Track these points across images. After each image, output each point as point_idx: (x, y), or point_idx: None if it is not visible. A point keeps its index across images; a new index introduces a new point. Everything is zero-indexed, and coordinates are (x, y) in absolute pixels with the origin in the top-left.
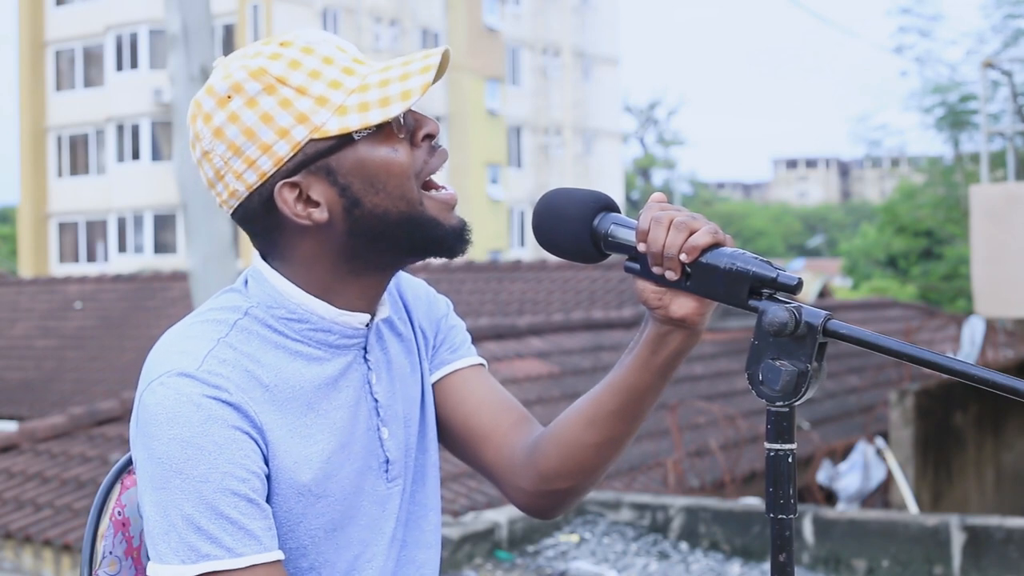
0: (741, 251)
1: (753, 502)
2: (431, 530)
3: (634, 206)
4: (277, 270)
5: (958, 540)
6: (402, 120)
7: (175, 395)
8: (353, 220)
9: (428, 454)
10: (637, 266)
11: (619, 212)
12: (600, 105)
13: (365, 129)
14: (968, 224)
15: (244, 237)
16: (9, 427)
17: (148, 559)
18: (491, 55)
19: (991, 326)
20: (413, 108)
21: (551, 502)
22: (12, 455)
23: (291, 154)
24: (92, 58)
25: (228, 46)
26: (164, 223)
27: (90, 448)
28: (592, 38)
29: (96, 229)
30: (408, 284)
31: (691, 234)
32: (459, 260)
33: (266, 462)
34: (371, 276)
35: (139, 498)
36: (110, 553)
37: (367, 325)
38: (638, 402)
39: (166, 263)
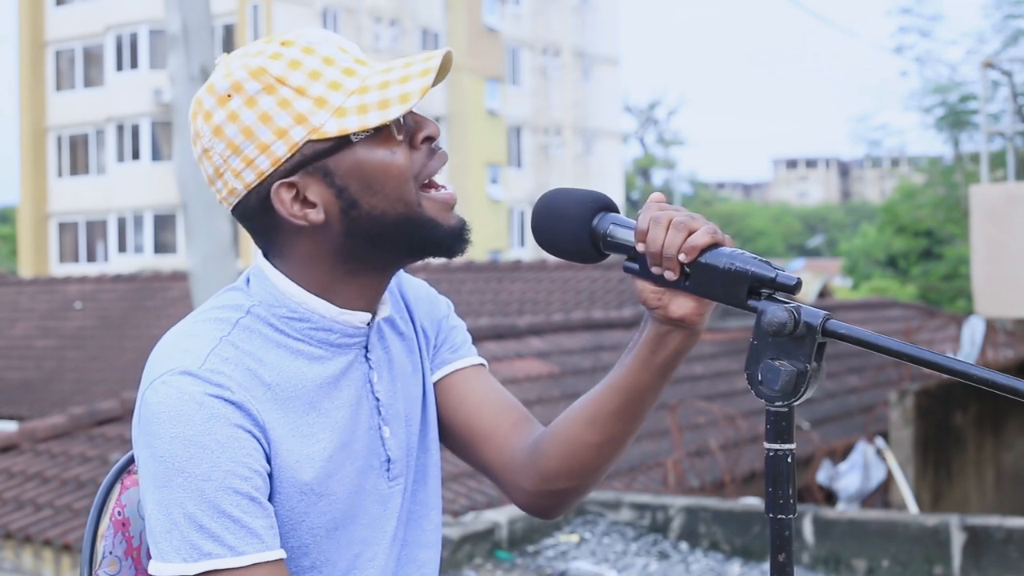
0: (740, 251)
1: (753, 502)
2: (432, 530)
3: (634, 206)
4: (278, 268)
5: (958, 540)
6: (402, 121)
7: (177, 393)
8: (350, 221)
9: (429, 453)
10: (636, 266)
11: (618, 212)
12: (600, 105)
13: (363, 131)
14: (968, 224)
15: (244, 237)
16: (9, 427)
17: (148, 559)
18: (491, 55)
19: (991, 326)
20: (413, 109)
21: (552, 502)
22: (12, 455)
23: (289, 154)
24: (92, 58)
25: (228, 46)
26: (164, 223)
27: (90, 448)
28: (592, 38)
29: (96, 229)
30: (409, 284)
31: (690, 234)
32: (459, 260)
33: (268, 461)
34: (370, 276)
35: (141, 496)
36: (110, 553)
37: (368, 324)
38: (638, 402)
39: (166, 263)
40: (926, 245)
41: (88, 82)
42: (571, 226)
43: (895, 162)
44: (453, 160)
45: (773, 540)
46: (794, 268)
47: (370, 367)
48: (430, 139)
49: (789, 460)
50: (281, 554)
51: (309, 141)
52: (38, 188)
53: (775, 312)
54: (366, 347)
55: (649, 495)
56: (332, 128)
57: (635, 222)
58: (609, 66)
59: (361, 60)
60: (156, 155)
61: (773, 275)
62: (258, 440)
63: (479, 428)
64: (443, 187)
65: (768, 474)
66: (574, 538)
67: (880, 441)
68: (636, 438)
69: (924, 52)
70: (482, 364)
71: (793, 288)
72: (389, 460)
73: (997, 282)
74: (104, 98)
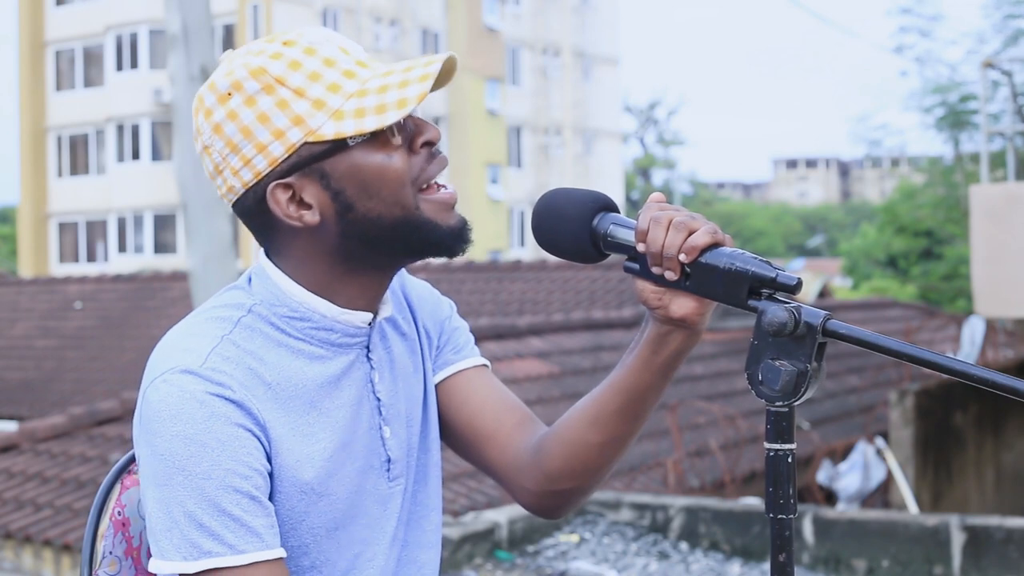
0: (740, 251)
1: (753, 502)
2: (432, 530)
3: (634, 206)
4: (279, 267)
5: (958, 540)
6: (402, 123)
7: (179, 392)
8: (346, 223)
9: (430, 453)
10: (636, 266)
11: (618, 212)
12: (600, 105)
13: (359, 136)
14: (968, 224)
15: (244, 237)
16: (9, 427)
17: (149, 558)
18: (491, 55)
19: (991, 326)
20: (414, 112)
21: (557, 502)
22: (12, 455)
23: (286, 155)
24: (92, 58)
25: (228, 46)
26: (164, 223)
27: (90, 448)
28: (592, 38)
29: (96, 229)
30: (412, 285)
31: (690, 234)
32: (459, 260)
33: (268, 460)
34: (370, 276)
35: (141, 494)
36: (110, 553)
37: (370, 324)
38: (640, 402)
39: (166, 263)
40: (926, 245)
41: (88, 82)
42: (571, 226)
43: (895, 162)
44: (453, 160)
45: (773, 540)
46: (794, 268)
47: (372, 367)
48: (429, 144)
49: (789, 460)
50: (281, 553)
51: (306, 143)
52: (38, 188)
53: (776, 312)
54: (367, 347)
55: (649, 495)
56: (329, 131)
57: (635, 222)
58: (609, 66)
59: (363, 62)
60: (156, 155)
61: (773, 275)
62: (259, 439)
63: (482, 429)
64: (443, 187)
65: (768, 474)
66: (574, 538)
67: (880, 441)
68: (636, 438)
69: (924, 52)
70: (485, 365)
71: (793, 288)
72: (389, 460)
73: (997, 282)
74: (104, 98)
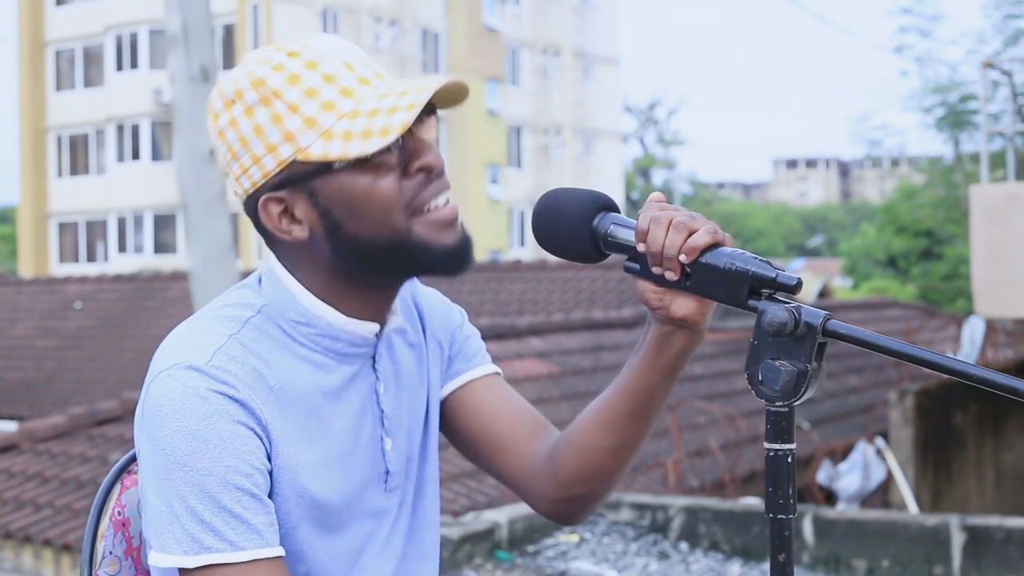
0: (740, 251)
1: (753, 502)
2: (431, 543)
3: (634, 206)
4: (289, 271)
5: (958, 540)
6: (401, 142)
7: (182, 387)
8: (337, 241)
9: (429, 465)
10: (637, 266)
11: (618, 212)
12: (600, 105)
13: (343, 160)
14: (968, 224)
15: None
16: (9, 427)
17: (148, 557)
18: (491, 55)
19: (991, 326)
20: (419, 133)
21: (573, 508)
22: (12, 455)
23: (277, 169)
24: (92, 58)
25: (228, 46)
26: (164, 223)
27: (90, 448)
28: (592, 38)
29: (96, 229)
30: (423, 293)
31: (690, 234)
32: None
33: (269, 459)
34: (370, 291)
35: (141, 487)
36: (110, 553)
37: (377, 335)
38: (647, 404)
39: (166, 263)
40: (926, 245)
41: (88, 82)
42: (571, 226)
43: (895, 162)
44: (453, 160)
45: (773, 540)
46: (794, 268)
47: (377, 378)
48: (426, 169)
49: (789, 460)
50: (280, 552)
51: (295, 160)
52: (38, 188)
53: (776, 312)
54: (373, 357)
55: (649, 495)
56: (317, 151)
57: (635, 222)
58: (609, 66)
59: (365, 79)
60: (156, 155)
61: (773, 275)
62: (260, 438)
63: (496, 439)
64: (439, 204)
65: (768, 474)
66: (574, 538)
67: (880, 441)
68: (647, 439)
69: (924, 52)
70: (497, 373)
71: (793, 288)
72: (388, 472)
73: (997, 282)
74: (104, 98)
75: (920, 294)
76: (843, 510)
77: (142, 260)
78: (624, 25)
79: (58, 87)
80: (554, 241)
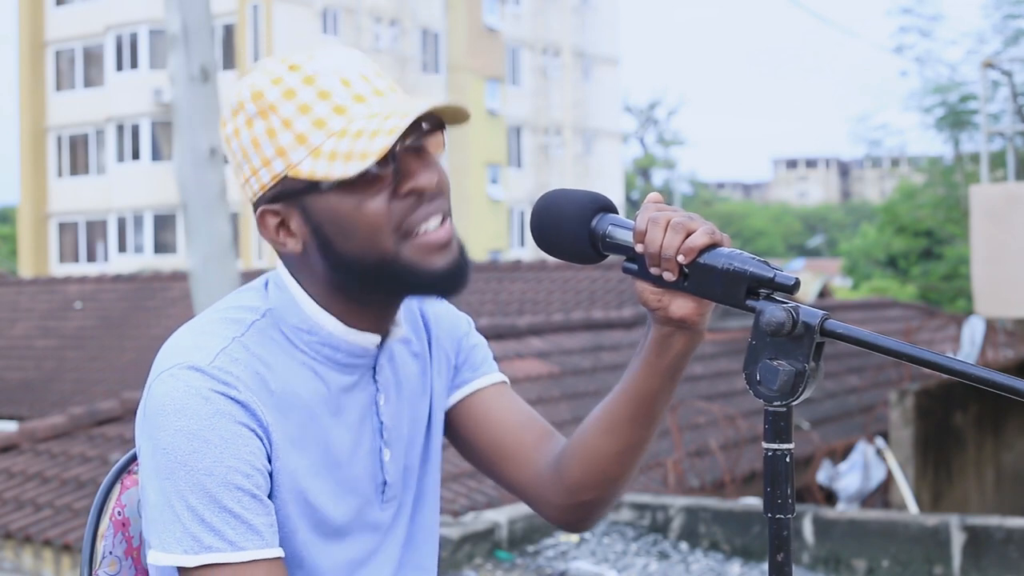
0: (739, 251)
1: (753, 502)
2: (429, 553)
3: (634, 206)
4: (295, 278)
5: (958, 540)
6: (392, 161)
7: (184, 387)
8: (329, 257)
9: (429, 475)
10: (635, 267)
11: (617, 213)
12: (600, 105)
13: (327, 181)
14: (968, 224)
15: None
16: (9, 427)
17: (148, 556)
18: (491, 55)
19: (991, 326)
20: (414, 151)
21: (582, 514)
22: (12, 455)
23: (272, 183)
24: (92, 58)
25: (228, 46)
26: (164, 223)
27: (90, 448)
28: (592, 38)
29: (96, 229)
30: (429, 302)
31: (688, 235)
32: None
33: (269, 461)
34: (369, 305)
35: (141, 486)
36: (110, 553)
37: (379, 346)
38: (650, 407)
39: (166, 263)
40: (926, 245)
41: (88, 82)
42: (570, 227)
43: (895, 162)
44: (453, 160)
45: (771, 540)
46: (794, 268)
47: (377, 389)
48: (416, 192)
49: (787, 460)
50: (280, 553)
51: (287, 176)
52: (38, 188)
53: (773, 312)
54: (374, 367)
55: (649, 495)
56: (305, 169)
57: (634, 223)
58: (609, 66)
59: (360, 96)
60: (156, 155)
61: (771, 275)
62: (261, 440)
63: (503, 447)
64: (431, 227)
65: (766, 474)
66: (574, 538)
67: (880, 441)
68: (652, 442)
69: (924, 52)
70: (503, 381)
71: (791, 288)
72: (385, 483)
73: (997, 282)
74: (104, 98)
75: (920, 294)
76: (843, 510)
77: (142, 260)
78: (624, 25)
79: (58, 87)
80: (553, 242)
